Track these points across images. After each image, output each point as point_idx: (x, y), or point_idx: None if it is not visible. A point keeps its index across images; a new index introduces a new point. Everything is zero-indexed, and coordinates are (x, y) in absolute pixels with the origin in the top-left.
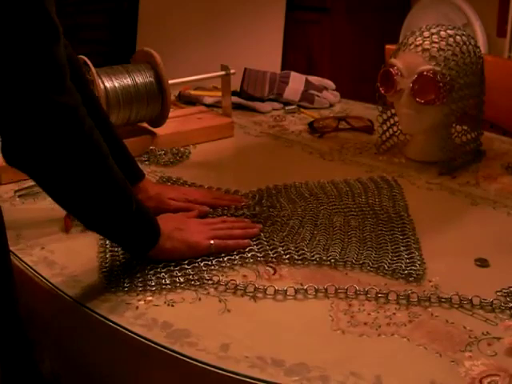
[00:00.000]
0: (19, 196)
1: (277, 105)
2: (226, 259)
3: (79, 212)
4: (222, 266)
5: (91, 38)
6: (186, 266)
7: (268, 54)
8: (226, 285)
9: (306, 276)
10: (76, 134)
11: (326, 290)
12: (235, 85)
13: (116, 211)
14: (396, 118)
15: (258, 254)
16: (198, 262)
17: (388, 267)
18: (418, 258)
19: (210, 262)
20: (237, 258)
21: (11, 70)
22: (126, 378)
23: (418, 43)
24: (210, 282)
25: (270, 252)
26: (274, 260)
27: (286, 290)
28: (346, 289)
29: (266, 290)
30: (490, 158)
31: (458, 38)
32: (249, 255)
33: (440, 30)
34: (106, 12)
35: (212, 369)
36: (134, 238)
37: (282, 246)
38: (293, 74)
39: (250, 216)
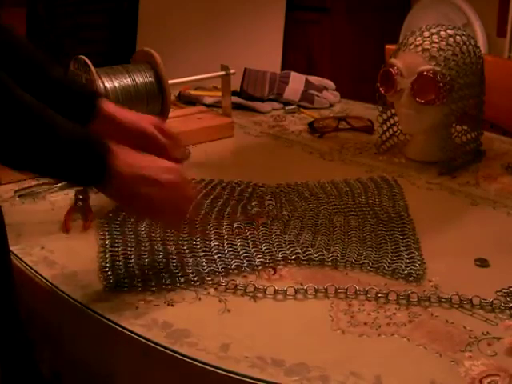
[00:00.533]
0: (19, 196)
1: (277, 105)
2: (233, 265)
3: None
4: (225, 268)
5: (91, 37)
6: (187, 266)
7: (268, 54)
8: (226, 285)
9: (306, 276)
10: None
11: (326, 290)
12: (235, 85)
13: (34, 140)
14: (396, 118)
15: (265, 257)
16: (198, 263)
17: (388, 267)
18: (418, 258)
19: (214, 266)
20: (245, 263)
21: None
22: (126, 378)
23: (418, 43)
24: (210, 282)
25: (274, 253)
26: (278, 261)
27: (286, 290)
28: (346, 289)
29: (265, 290)
30: (490, 158)
31: (457, 37)
32: (256, 258)
33: (440, 30)
34: (106, 12)
35: (212, 369)
36: (73, 167)
37: (287, 246)
38: (293, 74)
39: (248, 217)
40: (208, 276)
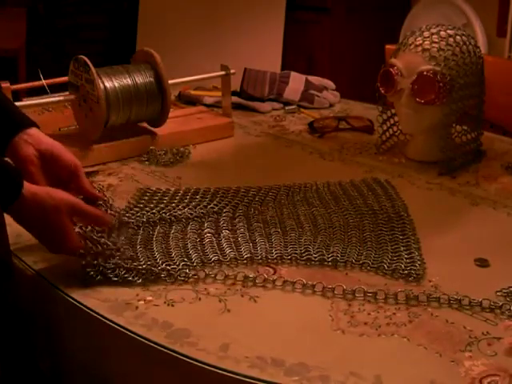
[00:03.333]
0: None
1: (277, 105)
2: (231, 258)
3: None
4: (223, 268)
5: (91, 37)
6: (186, 266)
7: (268, 54)
8: (226, 284)
9: (306, 276)
10: None
11: (326, 290)
12: (235, 85)
13: None
14: (396, 118)
15: (261, 255)
16: (197, 261)
17: (388, 267)
18: (418, 258)
19: (210, 263)
20: (242, 259)
21: None
22: (126, 377)
23: (418, 43)
24: (210, 281)
25: (273, 253)
26: (275, 260)
27: (286, 290)
28: (346, 289)
29: (266, 289)
30: (490, 158)
31: (458, 37)
32: (246, 256)
33: (440, 30)
34: (106, 12)
35: (212, 369)
36: None
37: (286, 247)
38: (293, 74)
39: (246, 217)
40: (207, 273)
